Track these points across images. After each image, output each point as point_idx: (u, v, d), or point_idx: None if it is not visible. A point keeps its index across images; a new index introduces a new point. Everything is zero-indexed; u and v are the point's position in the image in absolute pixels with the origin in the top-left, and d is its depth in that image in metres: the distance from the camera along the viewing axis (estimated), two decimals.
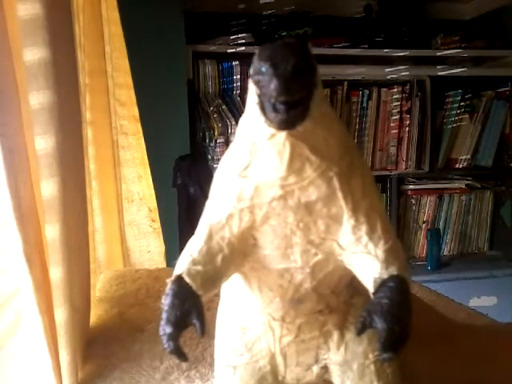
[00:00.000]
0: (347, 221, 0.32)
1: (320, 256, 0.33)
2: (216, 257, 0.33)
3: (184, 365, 0.64)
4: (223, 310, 0.40)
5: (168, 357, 0.66)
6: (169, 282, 0.34)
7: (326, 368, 0.37)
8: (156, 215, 1.48)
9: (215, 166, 1.90)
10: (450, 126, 2.20)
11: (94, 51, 1.11)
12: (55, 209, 0.57)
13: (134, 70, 1.36)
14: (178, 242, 1.76)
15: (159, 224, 1.48)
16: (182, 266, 0.34)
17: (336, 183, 0.32)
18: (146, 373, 0.63)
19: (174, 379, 0.62)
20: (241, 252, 0.34)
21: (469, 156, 2.21)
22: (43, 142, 0.55)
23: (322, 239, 0.33)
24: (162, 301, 0.34)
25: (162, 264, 1.47)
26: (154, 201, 1.47)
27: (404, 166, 2.15)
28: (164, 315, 0.33)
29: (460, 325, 0.50)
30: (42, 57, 0.51)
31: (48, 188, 0.56)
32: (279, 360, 0.37)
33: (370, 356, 0.36)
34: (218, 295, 0.40)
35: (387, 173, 2.14)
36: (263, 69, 0.29)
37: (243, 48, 1.93)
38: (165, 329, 0.33)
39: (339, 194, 0.32)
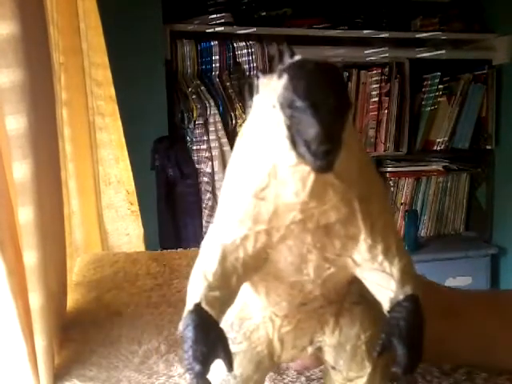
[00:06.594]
0: (364, 240, 0.32)
1: (333, 269, 0.34)
2: (231, 278, 0.33)
3: (163, 348, 0.64)
4: None
5: (146, 340, 0.65)
6: (186, 311, 0.32)
7: (319, 348, 0.39)
8: (134, 198, 1.46)
9: (194, 147, 1.88)
10: (428, 109, 2.22)
11: (68, 28, 1.07)
12: (28, 191, 0.55)
13: (110, 50, 1.32)
14: (156, 225, 1.74)
15: (137, 207, 1.46)
16: (198, 291, 0.32)
17: (356, 205, 0.31)
18: (124, 357, 0.63)
19: (152, 363, 0.61)
20: (253, 268, 0.34)
21: (446, 138, 2.24)
22: (15, 122, 0.53)
23: (337, 255, 0.33)
24: (182, 330, 0.32)
25: (141, 247, 1.46)
26: (132, 183, 1.44)
27: (382, 148, 2.16)
28: (190, 351, 0.31)
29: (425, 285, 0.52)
30: (11, 32, 0.49)
31: (20, 170, 0.54)
32: (276, 345, 0.38)
33: (362, 337, 0.38)
34: None
35: None
36: (298, 104, 0.26)
37: (222, 28, 1.90)
38: (193, 366, 0.31)
39: (358, 216, 0.31)
